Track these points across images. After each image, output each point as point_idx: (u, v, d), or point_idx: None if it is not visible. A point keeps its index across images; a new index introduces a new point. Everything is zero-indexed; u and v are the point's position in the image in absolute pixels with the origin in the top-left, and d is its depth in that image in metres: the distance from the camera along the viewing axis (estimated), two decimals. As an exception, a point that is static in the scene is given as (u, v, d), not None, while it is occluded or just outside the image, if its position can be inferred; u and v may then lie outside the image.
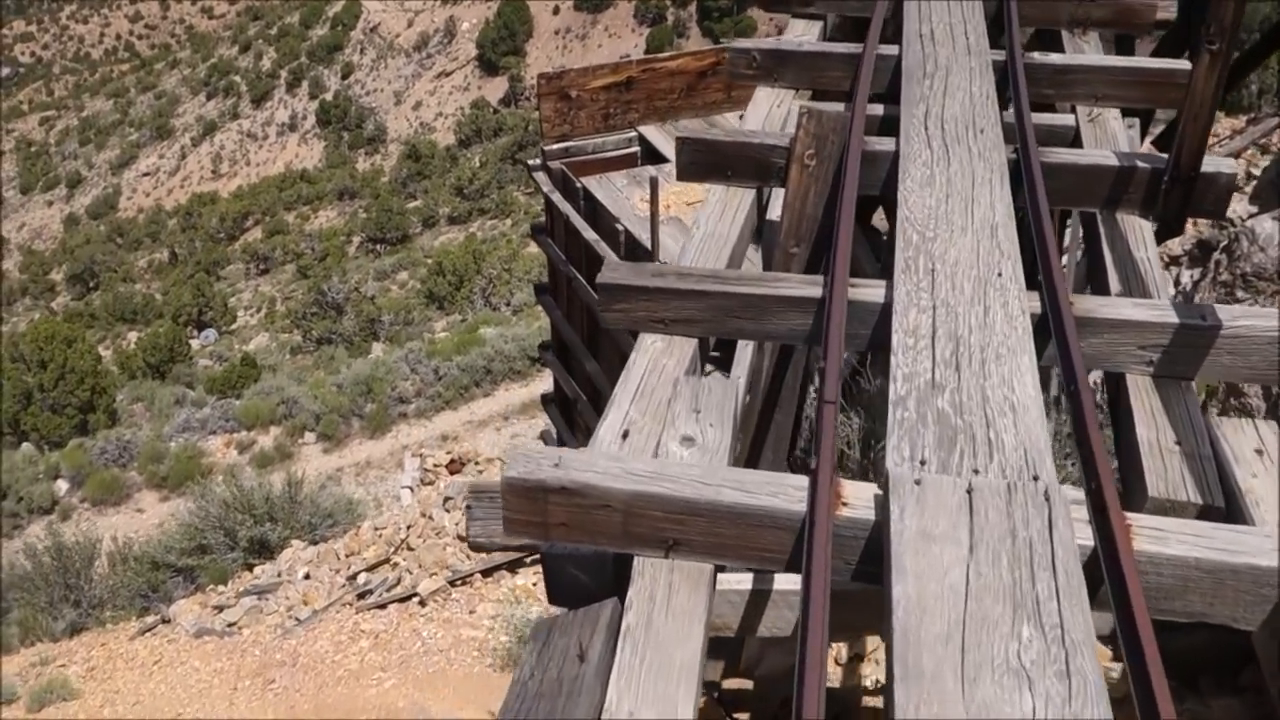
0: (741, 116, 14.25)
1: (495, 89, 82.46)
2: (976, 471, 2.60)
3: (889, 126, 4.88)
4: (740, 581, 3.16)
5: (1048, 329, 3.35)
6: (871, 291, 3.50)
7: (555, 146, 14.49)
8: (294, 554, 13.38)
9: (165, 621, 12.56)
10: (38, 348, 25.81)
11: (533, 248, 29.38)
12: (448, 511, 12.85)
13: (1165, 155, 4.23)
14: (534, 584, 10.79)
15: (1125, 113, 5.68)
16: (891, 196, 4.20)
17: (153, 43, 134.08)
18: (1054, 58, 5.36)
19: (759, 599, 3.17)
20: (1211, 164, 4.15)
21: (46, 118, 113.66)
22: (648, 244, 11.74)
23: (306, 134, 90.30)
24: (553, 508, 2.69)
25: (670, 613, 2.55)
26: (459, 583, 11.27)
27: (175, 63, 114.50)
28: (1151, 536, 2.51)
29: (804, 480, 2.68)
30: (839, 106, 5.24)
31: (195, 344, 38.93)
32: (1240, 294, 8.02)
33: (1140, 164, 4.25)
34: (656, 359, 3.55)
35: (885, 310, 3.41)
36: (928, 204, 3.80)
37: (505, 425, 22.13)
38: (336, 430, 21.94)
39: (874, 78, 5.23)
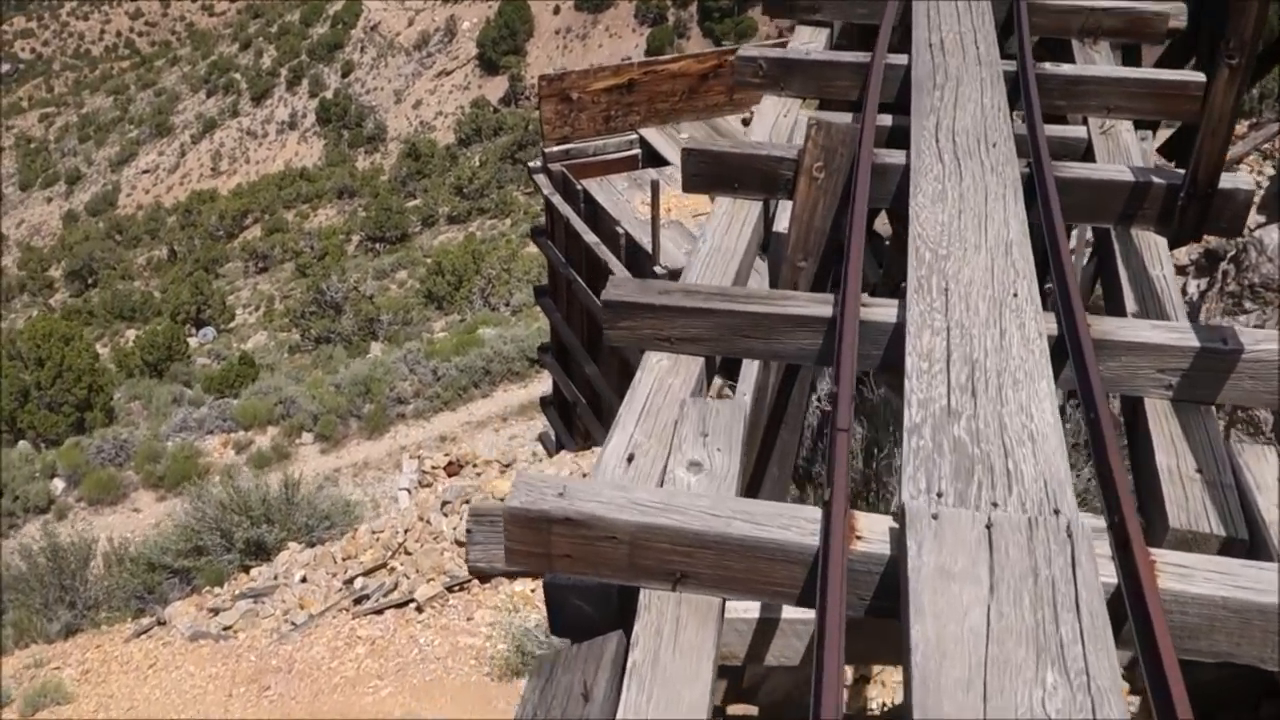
0: (745, 121, 14.10)
1: (495, 88, 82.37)
2: (995, 504, 2.52)
3: (897, 137, 4.79)
4: (748, 610, 3.07)
5: (1063, 351, 3.26)
6: (883, 311, 3.41)
7: (556, 148, 14.43)
8: (290, 557, 13.29)
9: (161, 624, 12.47)
10: (35, 345, 25.74)
11: (532, 248, 29.32)
12: (445, 516, 12.75)
13: (1181, 170, 4.15)
14: (532, 590, 10.69)
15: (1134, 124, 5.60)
16: (901, 210, 4.12)
17: (153, 40, 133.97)
18: (1066, 68, 5.28)
19: (767, 627, 3.08)
20: (1229, 180, 4.07)
21: (46, 114, 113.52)
22: (649, 247, 11.67)
23: (306, 132, 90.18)
24: (556, 539, 2.61)
25: (678, 649, 2.47)
26: (456, 589, 11.16)
27: (175, 60, 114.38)
28: (1176, 574, 2.43)
29: (816, 512, 2.59)
30: (847, 117, 5.16)
31: (193, 342, 38.83)
32: (1248, 305, 7.94)
33: (1156, 179, 4.16)
34: (662, 378, 3.47)
35: (897, 331, 3.32)
36: (940, 220, 3.71)
37: (504, 427, 22.08)
38: (334, 431, 21.87)
39: (882, 87, 5.14)
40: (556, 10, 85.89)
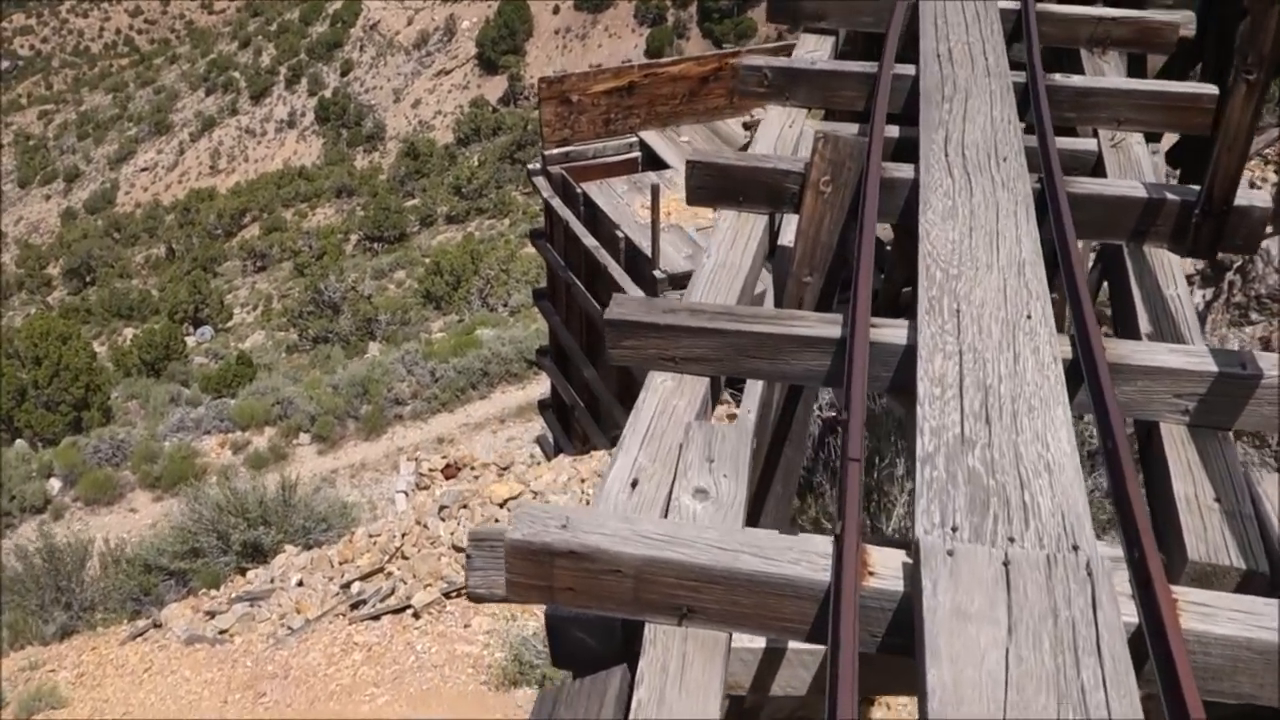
0: (745, 124, 13.94)
1: (495, 88, 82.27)
2: (1012, 540, 2.44)
3: (905, 150, 4.72)
4: (753, 639, 3.00)
5: (1078, 375, 3.19)
6: (893, 333, 3.33)
7: (555, 151, 14.36)
8: (287, 559, 13.21)
9: (157, 626, 12.39)
10: (32, 343, 25.66)
11: (530, 248, 29.24)
12: (443, 521, 12.68)
13: (1195, 186, 4.07)
14: (531, 597, 10.62)
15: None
16: (909, 225, 4.04)
17: (152, 38, 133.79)
18: (1076, 80, 5.20)
19: (773, 657, 3.01)
20: (1245, 197, 3.99)
21: (45, 111, 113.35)
22: (648, 251, 11.60)
23: (305, 131, 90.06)
24: (559, 572, 2.53)
25: (684, 688, 2.40)
26: (454, 595, 11.09)
27: (174, 58, 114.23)
28: (1199, 614, 2.35)
29: (827, 545, 2.52)
30: (853, 128, 5.08)
31: (191, 341, 38.73)
32: (1254, 316, 7.88)
33: (1170, 195, 4.08)
34: (667, 399, 3.39)
35: (908, 353, 3.24)
36: (950, 238, 3.63)
37: (501, 428, 22.02)
38: (331, 431, 21.80)
39: (889, 98, 5.06)
40: (556, 10, 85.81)
